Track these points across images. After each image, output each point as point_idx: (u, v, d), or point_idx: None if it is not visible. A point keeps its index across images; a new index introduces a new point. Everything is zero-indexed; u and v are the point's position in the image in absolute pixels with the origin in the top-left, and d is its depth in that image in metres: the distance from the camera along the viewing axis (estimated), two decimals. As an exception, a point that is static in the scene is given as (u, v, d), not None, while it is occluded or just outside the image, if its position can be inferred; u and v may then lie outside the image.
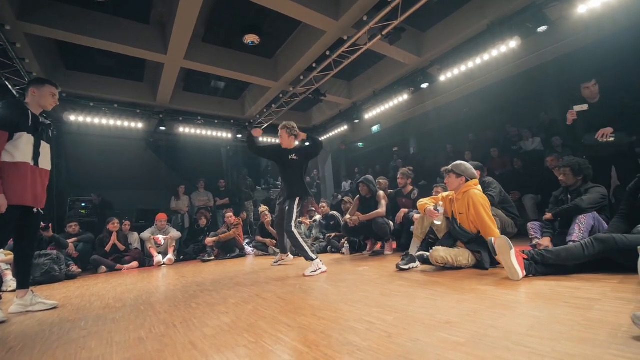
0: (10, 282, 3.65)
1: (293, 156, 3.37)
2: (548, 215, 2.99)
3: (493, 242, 2.28)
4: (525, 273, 2.04)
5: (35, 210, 2.41)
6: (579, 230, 2.56)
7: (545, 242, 2.81)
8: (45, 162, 2.46)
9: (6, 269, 3.80)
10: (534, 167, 5.39)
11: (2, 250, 3.73)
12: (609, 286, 1.67)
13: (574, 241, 2.48)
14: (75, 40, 4.63)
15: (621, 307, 1.34)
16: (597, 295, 1.53)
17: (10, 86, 5.01)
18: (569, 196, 2.92)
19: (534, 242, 2.97)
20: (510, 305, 1.52)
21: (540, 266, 2.05)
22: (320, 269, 3.07)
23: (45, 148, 2.45)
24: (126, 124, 6.72)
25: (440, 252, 2.57)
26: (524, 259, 2.08)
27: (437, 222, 2.84)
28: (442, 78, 5.71)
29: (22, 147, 2.25)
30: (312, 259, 3.13)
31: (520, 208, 4.60)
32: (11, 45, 4.23)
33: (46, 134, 2.48)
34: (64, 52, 5.54)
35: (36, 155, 2.35)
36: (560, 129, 6.09)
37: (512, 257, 2.03)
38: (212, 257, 5.56)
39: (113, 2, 4.14)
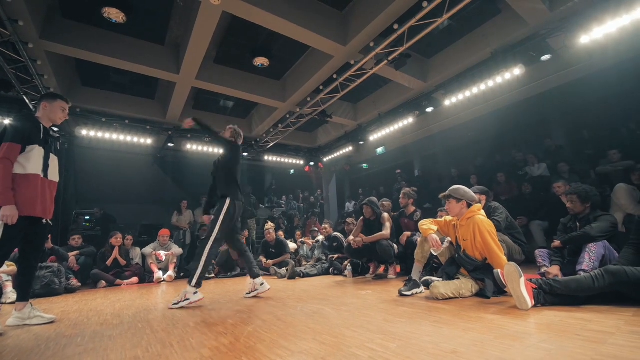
0: (10, 294, 3.61)
1: (220, 157, 3.22)
2: (557, 243, 2.93)
3: (500, 273, 2.21)
4: (534, 302, 1.97)
5: (44, 221, 2.43)
6: (590, 260, 2.50)
7: (554, 270, 2.73)
8: (54, 174, 2.50)
9: (7, 280, 3.77)
10: (541, 193, 5.34)
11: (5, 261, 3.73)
12: (622, 319, 1.61)
13: (584, 270, 2.42)
14: (93, 59, 4.82)
15: (637, 341, 1.29)
16: (610, 329, 1.47)
17: (27, 100, 5.19)
18: (578, 224, 2.87)
19: (542, 270, 2.90)
20: (519, 336, 1.47)
21: (549, 296, 1.99)
22: (188, 299, 2.79)
23: (53, 160, 2.50)
24: (135, 139, 6.87)
25: (440, 289, 2.44)
26: (532, 287, 2.02)
27: (434, 252, 2.78)
28: (447, 103, 5.79)
29: (33, 160, 2.30)
30: (190, 285, 2.81)
31: (527, 234, 4.51)
32: (32, 62, 4.42)
33: (55, 146, 2.54)
34: (80, 69, 5.76)
35: (46, 167, 2.40)
36: (567, 155, 6.08)
37: (522, 285, 1.97)
38: (212, 275, 5.48)
39: (131, 24, 4.35)
